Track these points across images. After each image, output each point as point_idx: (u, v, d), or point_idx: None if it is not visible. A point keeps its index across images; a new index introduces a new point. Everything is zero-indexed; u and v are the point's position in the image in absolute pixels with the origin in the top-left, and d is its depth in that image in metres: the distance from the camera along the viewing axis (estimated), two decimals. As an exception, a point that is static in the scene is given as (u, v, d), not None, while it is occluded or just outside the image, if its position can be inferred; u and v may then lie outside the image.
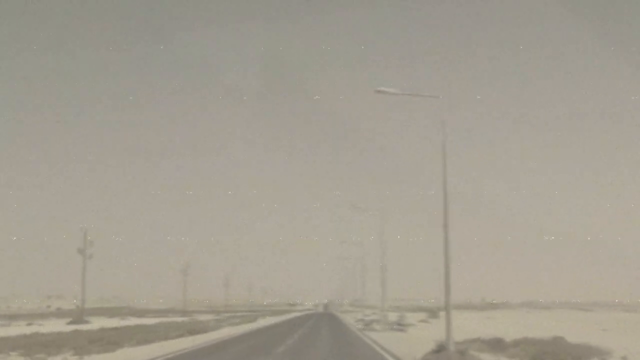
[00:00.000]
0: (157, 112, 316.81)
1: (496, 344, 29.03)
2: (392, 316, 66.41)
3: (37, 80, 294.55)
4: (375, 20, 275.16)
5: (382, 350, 30.99)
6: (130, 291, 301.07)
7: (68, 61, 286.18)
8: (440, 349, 24.46)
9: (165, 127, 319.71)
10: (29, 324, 75.87)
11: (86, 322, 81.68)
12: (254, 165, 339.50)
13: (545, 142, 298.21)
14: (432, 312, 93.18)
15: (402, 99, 24.38)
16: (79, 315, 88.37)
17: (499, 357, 26.32)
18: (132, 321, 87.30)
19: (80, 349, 31.44)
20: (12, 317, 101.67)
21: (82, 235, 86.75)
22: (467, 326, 60.87)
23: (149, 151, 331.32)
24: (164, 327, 58.14)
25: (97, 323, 76.43)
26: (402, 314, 67.35)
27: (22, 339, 37.70)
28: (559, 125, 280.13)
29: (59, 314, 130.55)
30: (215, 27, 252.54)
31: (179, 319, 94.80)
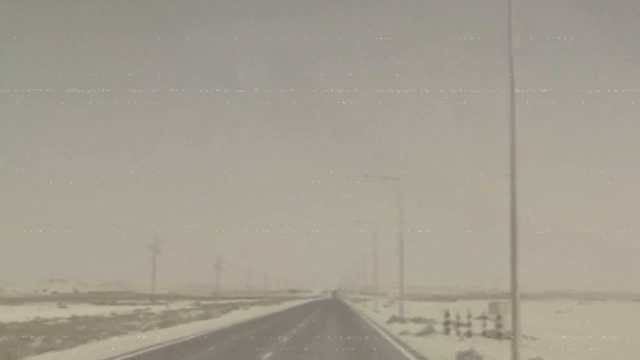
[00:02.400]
0: (171, 103, 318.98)
1: None
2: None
3: (49, 72, 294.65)
4: (380, 17, 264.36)
5: None
6: (134, 276, 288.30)
7: (84, 53, 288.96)
8: None
9: (180, 119, 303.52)
10: None
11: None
12: (264, 154, 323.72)
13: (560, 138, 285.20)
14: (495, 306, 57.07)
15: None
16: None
17: None
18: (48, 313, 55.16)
19: None
20: None
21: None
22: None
23: (165, 142, 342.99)
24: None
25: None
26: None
27: None
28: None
29: (38, 298, 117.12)
30: (228, 24, 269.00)
31: (115, 310, 61.36)
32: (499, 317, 26.29)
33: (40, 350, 20.75)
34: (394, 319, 38.95)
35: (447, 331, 28.03)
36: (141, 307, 72.75)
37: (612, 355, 19.77)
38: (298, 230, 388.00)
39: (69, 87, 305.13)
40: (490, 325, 26.63)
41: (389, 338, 26.26)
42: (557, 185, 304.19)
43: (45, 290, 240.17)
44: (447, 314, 29.09)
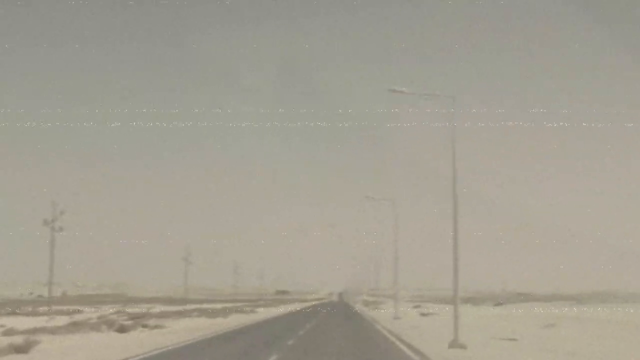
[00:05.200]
0: (178, 107, 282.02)
1: None
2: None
3: (61, 76, 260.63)
4: (385, 19, 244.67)
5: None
6: (132, 278, 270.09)
7: (93, 60, 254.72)
8: None
9: (186, 122, 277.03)
10: None
11: None
12: (270, 158, 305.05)
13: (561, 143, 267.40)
14: None
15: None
16: None
17: None
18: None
19: None
20: None
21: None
22: None
23: (171, 145, 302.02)
24: None
25: None
26: None
27: None
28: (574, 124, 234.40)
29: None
30: (233, 29, 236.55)
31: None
32: None
33: None
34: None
35: None
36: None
37: None
38: (302, 231, 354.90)
39: (72, 93, 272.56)
40: None
41: None
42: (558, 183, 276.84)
43: (31, 293, 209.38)
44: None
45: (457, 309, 20.18)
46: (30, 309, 72.70)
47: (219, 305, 78.49)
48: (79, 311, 66.70)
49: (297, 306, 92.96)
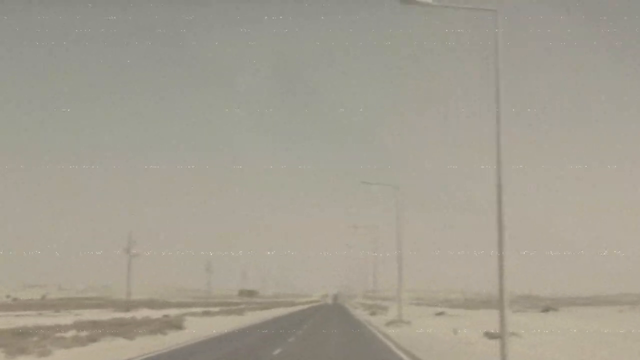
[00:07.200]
0: (173, 108, 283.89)
1: None
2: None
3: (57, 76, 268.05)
4: (380, 22, 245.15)
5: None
6: (120, 281, 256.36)
7: (83, 59, 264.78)
8: None
9: (180, 123, 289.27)
10: None
11: None
12: (264, 158, 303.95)
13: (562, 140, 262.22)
14: None
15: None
16: None
17: None
18: None
19: None
20: None
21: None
22: None
23: (167, 146, 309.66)
24: None
25: None
26: None
27: None
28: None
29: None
30: (232, 29, 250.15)
31: None
32: None
33: None
34: None
35: None
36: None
37: None
38: (297, 233, 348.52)
39: (70, 93, 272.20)
40: None
41: None
42: (540, 186, 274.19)
43: (8, 296, 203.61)
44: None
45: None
46: None
47: (160, 313, 53.66)
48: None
49: (276, 312, 69.05)
